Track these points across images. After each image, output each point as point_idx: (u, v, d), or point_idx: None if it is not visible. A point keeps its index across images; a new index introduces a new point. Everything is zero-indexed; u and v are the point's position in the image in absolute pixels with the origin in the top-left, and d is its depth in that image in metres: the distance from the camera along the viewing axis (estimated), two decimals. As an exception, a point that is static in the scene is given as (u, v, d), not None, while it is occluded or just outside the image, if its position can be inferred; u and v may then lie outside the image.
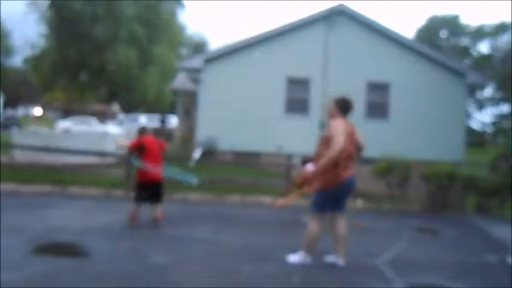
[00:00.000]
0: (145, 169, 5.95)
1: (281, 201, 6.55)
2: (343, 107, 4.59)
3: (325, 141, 4.47)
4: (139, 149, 6.08)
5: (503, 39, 35.32)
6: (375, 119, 13.89)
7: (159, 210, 6.07)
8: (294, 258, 4.68)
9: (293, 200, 6.05)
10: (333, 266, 4.61)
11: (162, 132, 26.00)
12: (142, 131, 6.34)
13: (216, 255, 4.88)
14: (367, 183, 8.40)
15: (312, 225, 4.58)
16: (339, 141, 4.26)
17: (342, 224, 4.61)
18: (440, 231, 6.82)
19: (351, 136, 4.48)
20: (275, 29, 14.14)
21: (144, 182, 6.01)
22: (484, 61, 36.67)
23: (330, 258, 4.70)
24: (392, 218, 7.82)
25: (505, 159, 10.23)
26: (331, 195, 4.49)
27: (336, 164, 4.36)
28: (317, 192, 4.58)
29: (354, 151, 4.56)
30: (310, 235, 4.59)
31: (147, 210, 6.36)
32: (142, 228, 5.91)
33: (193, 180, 6.54)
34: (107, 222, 6.11)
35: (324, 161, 4.34)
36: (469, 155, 15.59)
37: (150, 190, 5.99)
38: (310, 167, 6.29)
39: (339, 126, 4.39)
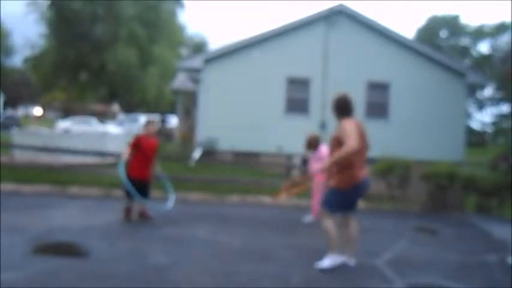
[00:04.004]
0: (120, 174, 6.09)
1: (281, 196, 6.56)
2: (343, 107, 4.45)
3: (336, 142, 4.36)
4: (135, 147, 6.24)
5: (503, 39, 35.37)
6: (375, 119, 13.89)
7: (144, 206, 6.28)
8: (325, 263, 4.52)
9: (292, 194, 6.08)
10: (334, 266, 4.62)
11: (162, 132, 26.06)
12: (146, 124, 6.50)
13: (216, 255, 4.88)
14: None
15: (328, 225, 4.46)
16: (352, 141, 4.07)
17: (354, 225, 4.60)
18: (440, 231, 6.82)
19: (362, 136, 4.36)
20: (275, 29, 14.14)
21: (134, 178, 6.11)
22: (484, 61, 36.70)
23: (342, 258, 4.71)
24: (392, 218, 7.82)
25: (505, 159, 10.24)
26: (347, 196, 4.39)
27: (351, 165, 4.26)
28: (331, 191, 4.45)
29: (366, 150, 4.46)
30: (332, 235, 4.47)
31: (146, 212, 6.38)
32: (141, 228, 5.91)
33: (168, 206, 6.50)
34: (107, 222, 6.11)
35: (335, 156, 4.18)
36: (469, 155, 15.61)
37: (138, 186, 6.09)
38: (316, 166, 6.29)
39: (349, 125, 4.25)
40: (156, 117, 28.91)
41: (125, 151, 6.24)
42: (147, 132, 6.40)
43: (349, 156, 4.14)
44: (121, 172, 6.00)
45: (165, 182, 6.89)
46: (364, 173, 4.43)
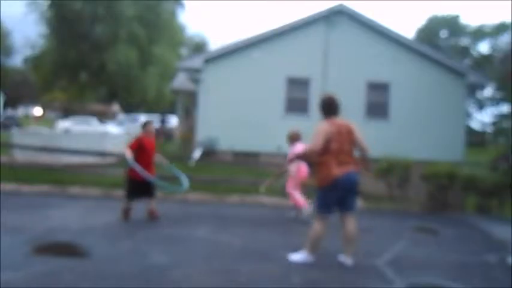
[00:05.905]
0: (137, 170, 6.02)
1: (265, 184, 7.27)
2: (325, 107, 4.70)
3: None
4: (137, 148, 6.25)
5: (503, 39, 35.34)
6: (375, 119, 13.88)
7: (153, 205, 6.29)
8: (296, 257, 4.69)
9: (272, 181, 7.13)
10: (334, 266, 4.62)
11: (162, 132, 26.04)
12: (145, 125, 6.57)
13: (216, 255, 4.88)
14: (367, 183, 8.40)
15: (316, 225, 4.60)
16: (311, 143, 4.49)
17: (351, 224, 4.61)
18: (440, 231, 6.82)
19: (339, 135, 4.51)
20: (275, 29, 14.14)
21: (136, 179, 6.10)
22: (484, 61, 36.67)
23: (341, 257, 4.73)
24: (392, 218, 7.82)
25: (505, 159, 10.23)
26: (328, 193, 4.53)
27: (326, 163, 4.47)
28: (317, 192, 4.67)
29: (348, 149, 4.56)
30: (313, 235, 4.60)
31: (141, 209, 6.39)
32: (141, 228, 5.91)
33: (185, 185, 6.53)
34: (107, 222, 6.11)
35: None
36: (469, 155, 15.59)
37: (142, 187, 6.11)
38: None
39: (319, 127, 4.56)
40: (156, 117, 28.96)
41: (127, 153, 6.10)
42: (146, 132, 6.44)
43: (310, 157, 4.58)
44: (141, 171, 5.96)
45: (170, 169, 6.85)
46: (345, 169, 4.48)
